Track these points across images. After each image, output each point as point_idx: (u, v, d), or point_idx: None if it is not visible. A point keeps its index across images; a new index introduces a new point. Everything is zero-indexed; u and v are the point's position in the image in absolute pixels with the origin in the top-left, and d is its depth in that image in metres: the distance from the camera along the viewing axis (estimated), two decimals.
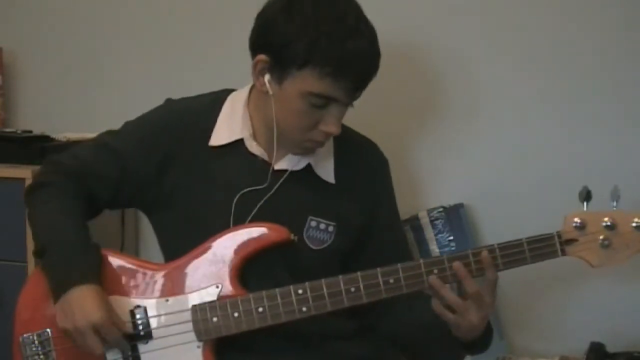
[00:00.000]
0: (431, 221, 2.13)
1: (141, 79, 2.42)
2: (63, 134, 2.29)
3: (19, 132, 2.31)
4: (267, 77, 1.64)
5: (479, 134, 2.16)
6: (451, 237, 2.12)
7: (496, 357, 2.08)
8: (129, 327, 1.63)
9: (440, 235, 2.12)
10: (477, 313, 1.58)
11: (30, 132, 2.32)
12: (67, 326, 1.58)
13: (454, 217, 2.12)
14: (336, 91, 1.60)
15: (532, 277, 2.10)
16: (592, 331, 2.05)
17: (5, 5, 2.55)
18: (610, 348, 2.01)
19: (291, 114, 1.64)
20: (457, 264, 1.58)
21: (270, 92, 1.64)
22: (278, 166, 1.73)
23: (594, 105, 2.08)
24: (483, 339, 1.67)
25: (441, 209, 2.13)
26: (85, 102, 2.48)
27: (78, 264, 1.61)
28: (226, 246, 1.67)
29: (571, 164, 2.09)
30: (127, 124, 1.81)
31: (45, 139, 2.27)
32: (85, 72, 2.48)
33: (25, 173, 2.08)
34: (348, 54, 1.58)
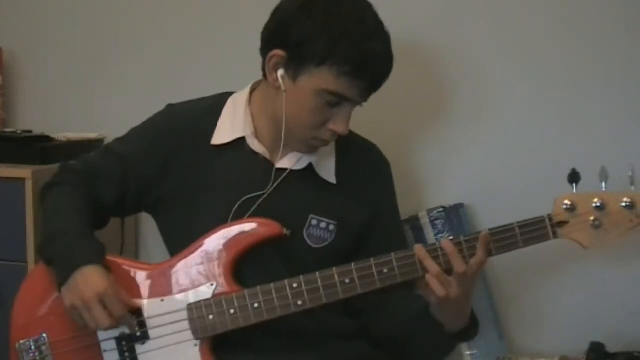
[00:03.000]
0: (431, 221, 2.13)
1: (141, 79, 2.42)
2: (63, 134, 2.29)
3: (19, 132, 2.31)
4: (280, 72, 1.65)
5: (479, 134, 2.16)
6: (451, 237, 2.11)
7: (496, 357, 2.08)
8: (134, 302, 1.64)
9: (440, 235, 2.12)
10: (457, 289, 1.58)
11: (30, 132, 2.32)
12: (74, 301, 1.59)
13: (454, 217, 2.12)
14: (351, 90, 1.62)
15: (532, 277, 2.11)
16: (592, 331, 2.05)
17: (5, 5, 2.55)
18: (610, 348, 2.01)
19: (303, 111, 1.65)
20: (445, 242, 1.59)
21: (283, 88, 1.65)
22: (280, 165, 1.74)
23: (595, 106, 2.08)
24: (469, 329, 1.68)
25: (441, 209, 2.12)
26: (85, 102, 2.48)
27: (84, 248, 1.64)
28: (218, 243, 1.68)
29: (572, 165, 2.08)
30: (132, 130, 1.84)
31: (45, 139, 2.27)
32: (85, 72, 2.48)
33: (25, 173, 2.08)
34: (367, 55, 1.60)
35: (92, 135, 2.30)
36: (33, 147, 2.19)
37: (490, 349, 2.07)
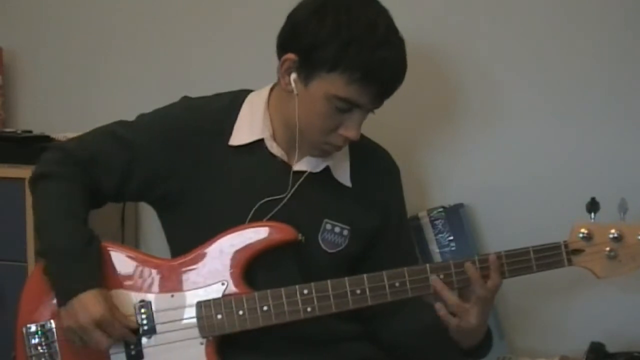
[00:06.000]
0: (431, 221, 2.13)
1: (141, 78, 2.42)
2: (63, 134, 2.29)
3: (19, 132, 2.31)
4: (293, 76, 1.65)
5: (479, 135, 2.16)
6: (451, 237, 2.12)
7: (496, 357, 2.08)
8: (132, 321, 1.65)
9: (440, 235, 2.12)
10: (477, 316, 1.60)
11: (30, 132, 2.32)
12: (71, 324, 1.60)
13: (454, 217, 2.12)
14: (362, 97, 1.62)
15: (532, 278, 2.09)
16: (592, 331, 2.05)
17: (5, 5, 2.55)
18: (610, 348, 2.01)
19: (314, 115, 1.65)
20: (468, 265, 1.59)
21: (295, 92, 1.65)
22: (297, 167, 1.73)
23: (594, 107, 2.08)
24: (483, 345, 1.69)
25: (441, 209, 2.13)
26: (85, 102, 2.48)
27: (78, 272, 1.63)
28: (233, 244, 1.67)
29: (570, 165, 2.09)
30: (141, 116, 1.79)
31: (45, 139, 2.26)
32: (85, 72, 2.48)
33: (25, 173, 2.06)
34: (378, 62, 1.59)
35: None
36: (33, 147, 2.18)
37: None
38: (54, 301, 1.67)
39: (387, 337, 1.80)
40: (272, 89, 1.77)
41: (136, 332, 1.65)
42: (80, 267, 1.63)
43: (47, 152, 1.79)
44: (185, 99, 1.82)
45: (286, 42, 1.66)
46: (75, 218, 1.68)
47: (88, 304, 1.59)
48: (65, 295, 1.61)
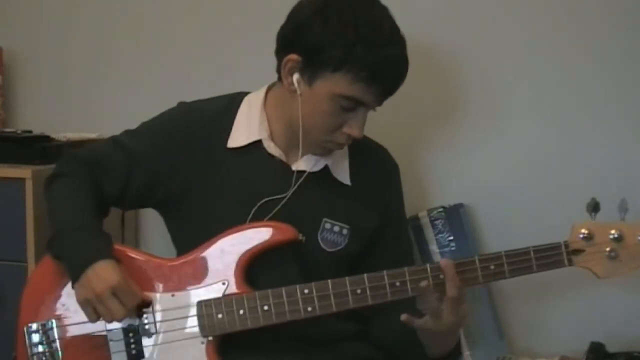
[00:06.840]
0: (431, 221, 2.13)
1: (141, 79, 2.42)
2: (63, 134, 2.29)
3: (19, 132, 2.31)
4: (296, 76, 1.65)
5: (479, 135, 2.16)
6: (451, 237, 2.12)
7: (496, 357, 2.08)
8: (146, 295, 1.66)
9: (440, 235, 2.12)
10: (447, 316, 1.59)
11: (30, 132, 2.32)
12: (87, 295, 1.61)
13: (454, 217, 2.12)
14: (367, 96, 1.63)
15: (532, 278, 2.10)
16: (592, 331, 2.05)
17: (5, 5, 2.55)
18: (610, 348, 2.01)
19: (318, 114, 1.65)
20: (445, 263, 1.59)
21: (299, 92, 1.65)
22: (296, 167, 1.74)
23: (594, 107, 2.08)
24: (452, 355, 1.70)
25: (441, 209, 2.13)
26: (85, 102, 2.48)
27: (92, 243, 1.64)
28: (233, 244, 1.68)
29: (570, 164, 2.09)
30: (143, 124, 1.83)
31: (45, 139, 2.26)
32: (85, 72, 2.48)
33: (25, 173, 2.08)
34: (383, 61, 1.60)
35: (92, 135, 2.30)
36: (33, 147, 2.19)
37: (490, 349, 2.07)
38: (56, 300, 1.68)
39: (386, 336, 1.80)
40: (268, 90, 1.77)
41: (135, 332, 1.66)
42: (93, 240, 1.65)
43: (57, 161, 1.86)
44: (182, 103, 1.83)
45: (288, 42, 1.66)
46: (86, 204, 1.72)
47: (103, 273, 1.60)
48: (79, 267, 1.61)
